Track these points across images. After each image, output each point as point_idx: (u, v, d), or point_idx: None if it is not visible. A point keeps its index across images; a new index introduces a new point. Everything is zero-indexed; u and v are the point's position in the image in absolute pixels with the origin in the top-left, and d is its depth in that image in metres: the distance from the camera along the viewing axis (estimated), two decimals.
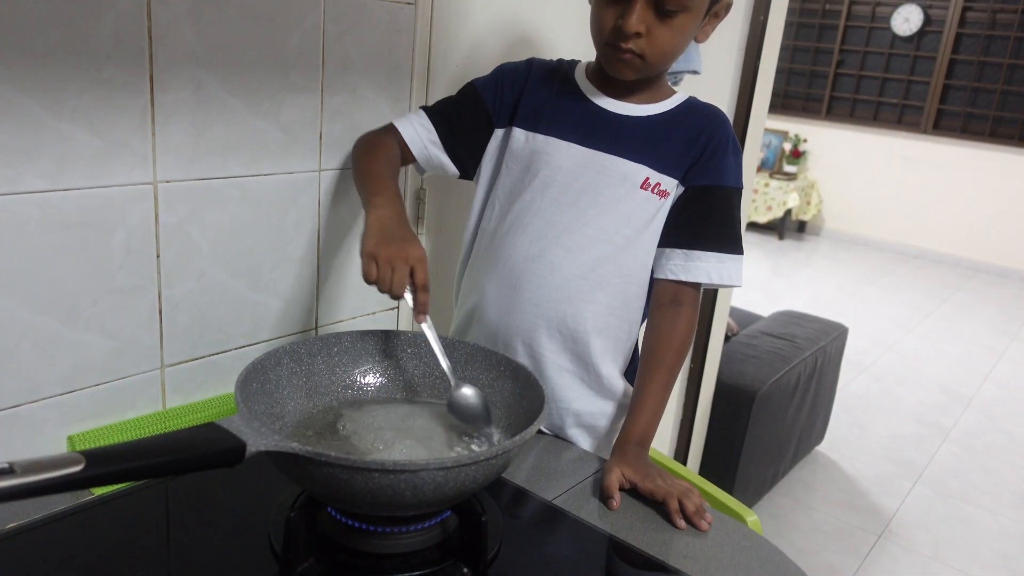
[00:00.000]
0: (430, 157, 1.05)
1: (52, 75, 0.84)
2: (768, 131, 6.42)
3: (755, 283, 5.02)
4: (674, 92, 1.06)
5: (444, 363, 0.89)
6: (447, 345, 0.97)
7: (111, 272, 0.94)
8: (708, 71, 1.64)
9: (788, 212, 6.29)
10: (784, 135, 6.50)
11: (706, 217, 1.01)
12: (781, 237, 6.39)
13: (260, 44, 1.00)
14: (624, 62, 0.96)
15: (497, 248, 1.04)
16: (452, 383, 0.89)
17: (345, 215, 1.16)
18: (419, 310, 0.86)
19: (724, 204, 1.01)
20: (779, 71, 6.47)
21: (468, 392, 0.88)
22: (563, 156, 1.02)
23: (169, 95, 0.93)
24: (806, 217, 6.44)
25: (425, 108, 1.08)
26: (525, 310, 1.02)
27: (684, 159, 1.01)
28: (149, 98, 0.92)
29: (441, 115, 1.06)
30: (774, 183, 6.20)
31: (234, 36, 0.97)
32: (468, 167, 1.08)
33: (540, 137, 1.04)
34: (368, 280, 0.84)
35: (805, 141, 6.51)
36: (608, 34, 0.96)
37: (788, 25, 6.38)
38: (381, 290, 0.84)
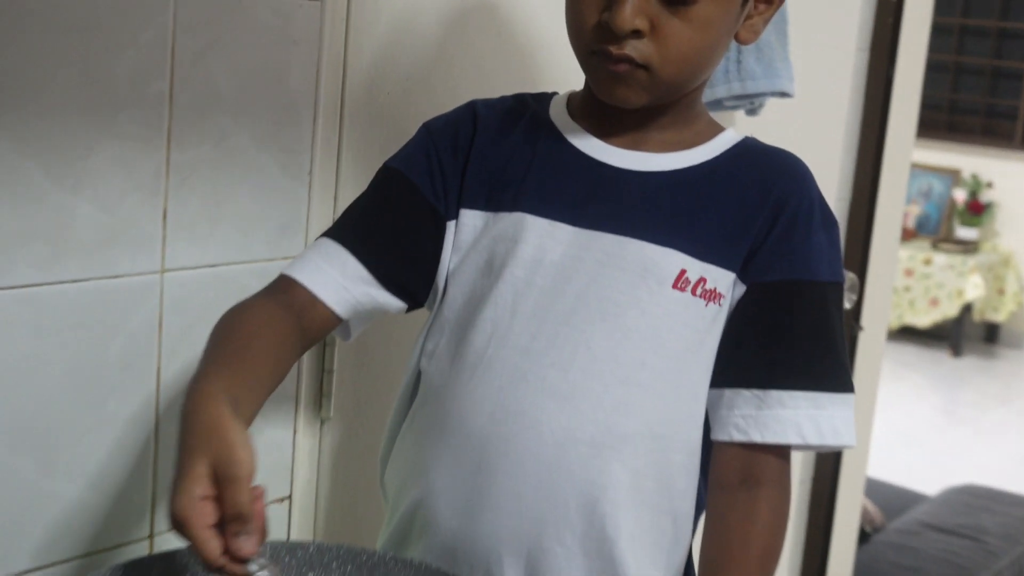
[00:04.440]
0: (358, 302, 1.10)
1: None
2: (923, 170, 6.61)
3: (913, 435, 5.08)
4: (720, 129, 1.14)
5: None
6: (375, 564, 1.01)
7: None
8: (807, 88, 1.75)
9: (967, 308, 6.42)
10: (954, 176, 6.69)
11: (787, 334, 1.06)
12: (956, 352, 6.50)
13: (70, 71, 1.09)
14: (619, 79, 1.03)
15: (447, 405, 1.09)
16: None
17: (203, 345, 1.23)
18: None
19: (815, 311, 1.07)
20: (939, 70, 6.68)
21: None
22: (543, 243, 1.09)
23: None
24: (998, 317, 6.56)
25: (330, 233, 1.13)
26: (499, 506, 1.06)
27: (741, 239, 1.07)
28: None
29: (359, 234, 1.12)
30: (940, 258, 6.35)
31: (28, 60, 1.06)
32: (420, 293, 1.14)
33: (504, 217, 1.11)
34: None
35: (990, 185, 6.70)
36: (591, 36, 1.03)
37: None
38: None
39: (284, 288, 1.09)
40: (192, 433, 0.89)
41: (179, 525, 0.85)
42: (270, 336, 1.05)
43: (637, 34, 1.00)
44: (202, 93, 1.19)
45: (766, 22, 1.11)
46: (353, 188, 1.24)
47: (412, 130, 1.19)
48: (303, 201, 1.31)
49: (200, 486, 0.85)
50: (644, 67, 1.02)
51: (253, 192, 1.26)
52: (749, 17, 1.08)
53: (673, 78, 1.04)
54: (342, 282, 1.09)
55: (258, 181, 1.26)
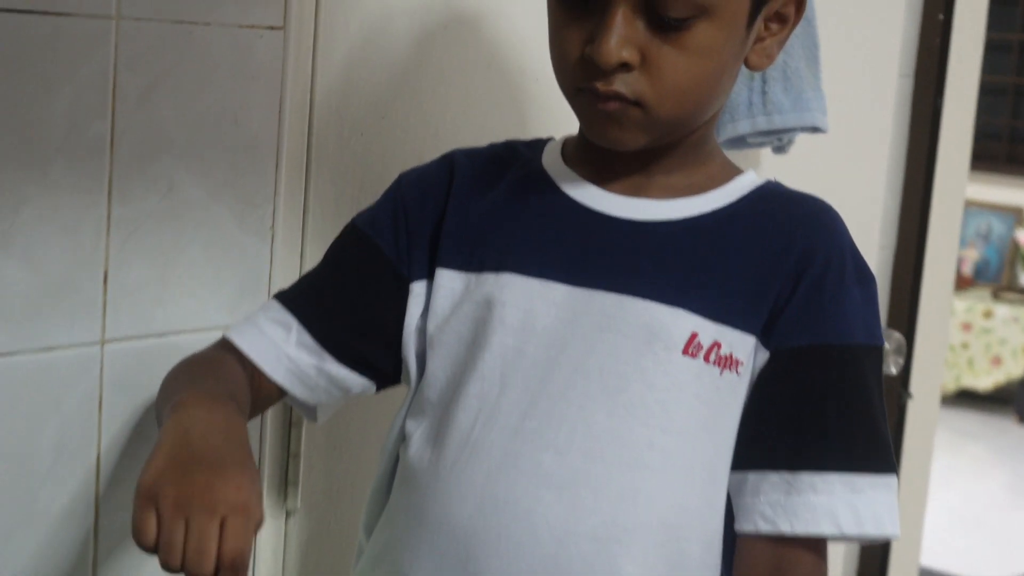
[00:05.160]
0: (305, 375, 1.13)
1: None
2: (980, 208, 6.61)
3: (974, 516, 5.04)
4: (737, 172, 1.15)
5: None
6: None
7: None
8: (843, 121, 1.77)
9: None
10: (1016, 214, 6.68)
11: (818, 407, 1.06)
12: None
13: None
14: (610, 118, 1.05)
15: (428, 495, 1.09)
16: None
17: (149, 426, 1.23)
18: None
19: (850, 380, 1.07)
20: (997, 94, 6.68)
21: None
22: (534, 306, 1.09)
23: None
24: None
25: (280, 294, 1.17)
26: None
27: (762, 297, 1.07)
28: None
29: (308, 297, 1.15)
30: (1003, 310, 6.34)
31: None
32: (386, 367, 1.17)
33: (489, 277, 1.12)
34: (141, 543, 0.88)
35: None
36: (576, 72, 1.05)
37: (1003, 8, 6.59)
38: (167, 566, 0.87)
39: (227, 349, 1.13)
40: (234, 440, 0.95)
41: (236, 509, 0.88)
42: (227, 374, 1.09)
43: (626, 67, 1.02)
44: (148, 137, 1.20)
45: (781, 44, 1.12)
46: (321, 244, 1.24)
47: (389, 177, 1.20)
48: (264, 260, 1.32)
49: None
50: (637, 104, 1.03)
51: (207, 250, 1.27)
52: (760, 40, 1.10)
53: (672, 115, 1.05)
54: (284, 350, 1.12)
55: (212, 237, 1.27)
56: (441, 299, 1.14)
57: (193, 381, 1.06)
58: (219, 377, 1.07)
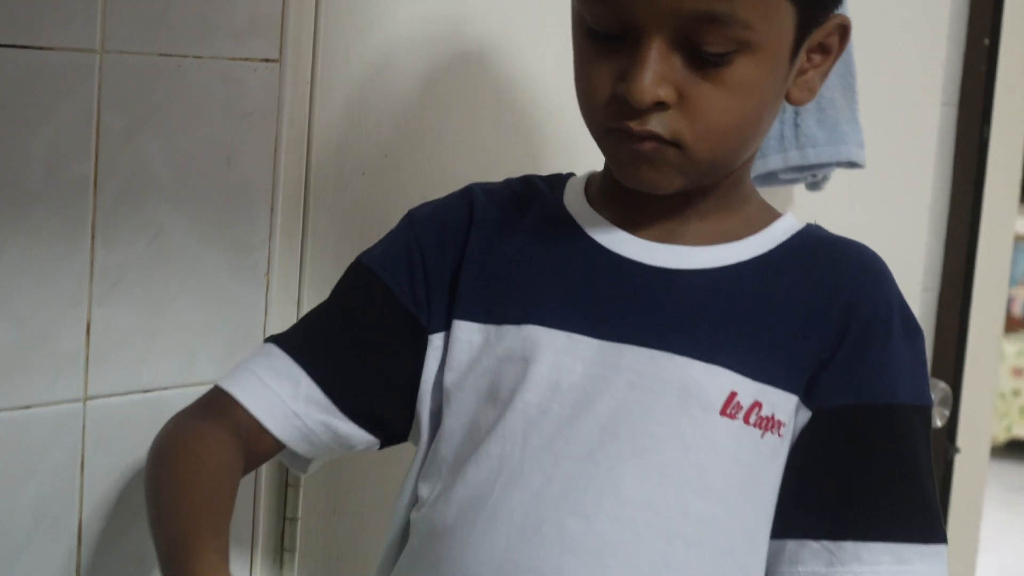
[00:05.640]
0: (311, 432, 1.12)
1: None
2: None
3: None
4: (775, 216, 1.15)
5: None
6: None
7: None
8: (882, 155, 1.76)
9: None
10: None
11: (863, 471, 1.06)
12: None
13: None
14: (644, 159, 1.04)
15: (443, 563, 1.07)
16: None
17: (135, 491, 1.22)
18: None
19: (897, 442, 1.06)
20: None
21: None
22: (560, 361, 1.08)
23: None
24: None
25: (281, 339, 1.15)
26: None
27: (804, 353, 1.07)
28: None
29: (316, 346, 1.14)
30: None
31: None
32: (396, 425, 1.16)
33: (510, 331, 1.11)
34: None
35: None
36: (606, 112, 1.04)
37: None
38: None
39: (224, 408, 1.11)
40: None
41: None
42: (229, 478, 1.07)
43: (661, 106, 1.01)
44: (134, 179, 1.19)
45: (824, 76, 1.11)
46: (320, 292, 1.23)
47: (393, 220, 1.19)
48: (259, 309, 1.31)
49: None
50: (675, 144, 1.02)
51: (197, 299, 1.26)
52: (802, 72, 1.09)
53: (710, 156, 1.04)
54: (292, 406, 1.11)
55: (203, 285, 1.26)
56: (459, 352, 1.13)
57: (188, 516, 1.02)
58: (210, 482, 1.05)
